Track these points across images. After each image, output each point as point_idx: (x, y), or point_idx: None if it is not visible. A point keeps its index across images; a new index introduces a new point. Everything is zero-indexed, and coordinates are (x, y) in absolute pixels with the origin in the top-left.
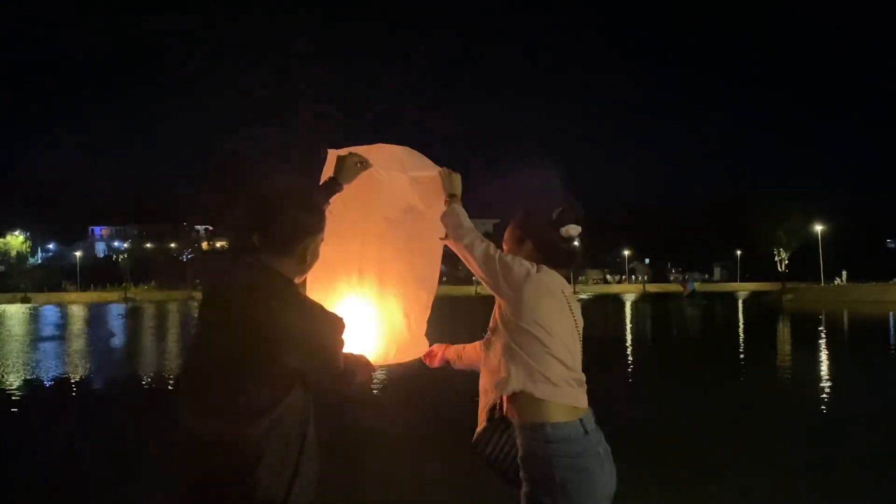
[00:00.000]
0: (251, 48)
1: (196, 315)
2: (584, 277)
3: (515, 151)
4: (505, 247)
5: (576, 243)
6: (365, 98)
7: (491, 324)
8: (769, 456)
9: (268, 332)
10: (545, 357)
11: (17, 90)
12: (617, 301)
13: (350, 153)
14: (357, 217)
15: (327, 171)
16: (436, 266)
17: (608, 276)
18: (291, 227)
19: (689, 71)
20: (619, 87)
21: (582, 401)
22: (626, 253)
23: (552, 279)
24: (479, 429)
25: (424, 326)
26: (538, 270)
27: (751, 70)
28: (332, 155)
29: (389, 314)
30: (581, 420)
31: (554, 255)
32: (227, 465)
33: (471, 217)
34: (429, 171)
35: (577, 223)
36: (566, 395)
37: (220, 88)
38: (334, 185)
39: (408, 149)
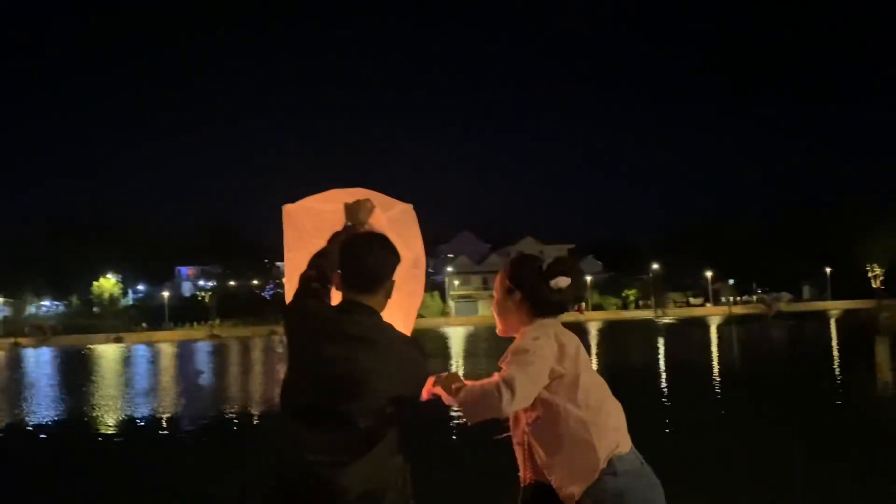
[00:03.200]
0: (333, 84)
1: (295, 352)
2: (661, 300)
3: (587, 175)
4: (496, 295)
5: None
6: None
7: (531, 415)
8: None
9: (383, 368)
10: (609, 404)
11: (101, 137)
12: (701, 325)
13: (366, 199)
14: None
15: (287, 227)
16: (419, 285)
17: (691, 299)
18: (381, 267)
19: (772, 83)
20: (701, 98)
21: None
22: (709, 274)
23: (556, 325)
24: None
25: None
26: (546, 331)
27: (836, 80)
28: (287, 211)
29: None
30: (632, 450)
31: (542, 306)
32: (358, 496)
33: (546, 243)
34: (394, 207)
35: (566, 275)
36: (627, 435)
37: (299, 129)
38: (354, 230)
39: (364, 189)
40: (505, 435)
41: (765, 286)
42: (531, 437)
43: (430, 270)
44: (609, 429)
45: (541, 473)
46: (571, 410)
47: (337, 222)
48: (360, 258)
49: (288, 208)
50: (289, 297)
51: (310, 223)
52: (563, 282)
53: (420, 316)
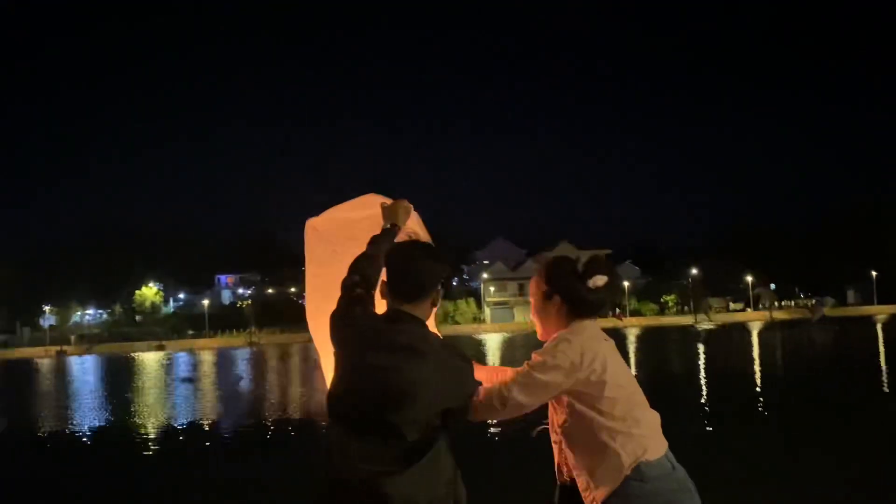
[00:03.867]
0: (368, 99)
1: (341, 362)
2: (703, 306)
3: (623, 179)
4: (532, 300)
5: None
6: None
7: (560, 418)
8: None
9: (430, 379)
10: (636, 413)
11: (142, 149)
12: (741, 330)
13: (403, 200)
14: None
15: (314, 242)
16: None
17: (731, 304)
18: (429, 276)
19: (812, 85)
20: (741, 101)
21: (664, 441)
22: (749, 279)
23: (588, 331)
24: None
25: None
26: (579, 335)
27: (877, 81)
28: (312, 226)
29: None
30: (665, 455)
31: (582, 307)
32: None
33: (582, 249)
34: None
35: (603, 273)
36: (659, 438)
37: (336, 137)
38: (395, 230)
39: (375, 195)
40: (542, 428)
41: (807, 290)
42: (562, 439)
43: (465, 277)
44: (636, 435)
45: None
46: (595, 418)
47: (372, 228)
48: (408, 267)
49: (313, 222)
50: (310, 315)
51: (342, 233)
52: (600, 280)
53: (454, 322)
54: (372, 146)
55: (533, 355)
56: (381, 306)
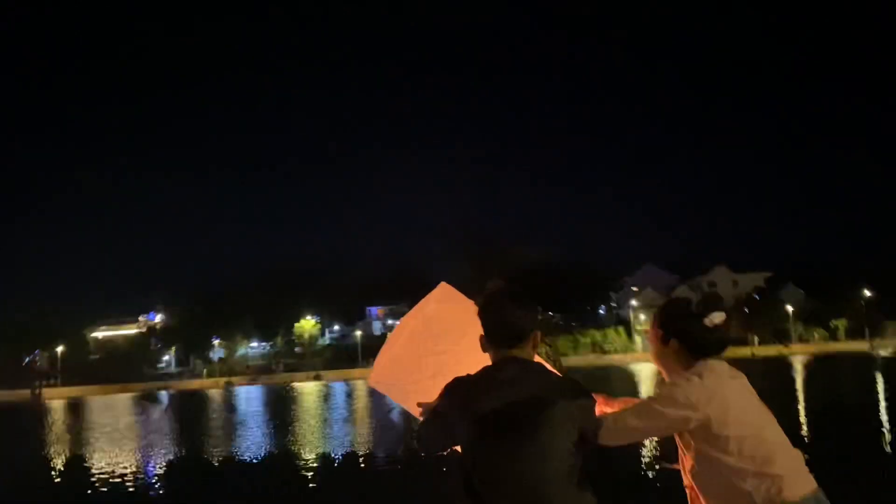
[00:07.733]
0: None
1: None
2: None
3: (783, 196)
4: (651, 345)
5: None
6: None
7: (689, 463)
8: None
9: (555, 417)
10: (766, 451)
11: (299, 197)
12: None
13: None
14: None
15: (395, 389)
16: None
17: None
18: (521, 324)
19: None
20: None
21: (811, 480)
22: None
23: (712, 370)
24: None
25: None
26: (700, 375)
27: None
28: (377, 383)
29: None
30: (814, 496)
31: (701, 347)
32: None
33: (738, 272)
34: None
35: (720, 309)
36: (802, 480)
37: (484, 167)
38: None
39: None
40: (668, 466)
41: None
42: (693, 484)
43: (612, 304)
44: (769, 475)
45: None
46: (723, 458)
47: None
48: (499, 319)
49: (374, 382)
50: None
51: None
52: (717, 318)
53: (603, 351)
54: (519, 177)
55: (655, 389)
56: (479, 358)
